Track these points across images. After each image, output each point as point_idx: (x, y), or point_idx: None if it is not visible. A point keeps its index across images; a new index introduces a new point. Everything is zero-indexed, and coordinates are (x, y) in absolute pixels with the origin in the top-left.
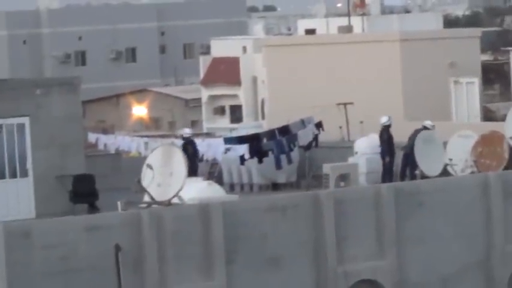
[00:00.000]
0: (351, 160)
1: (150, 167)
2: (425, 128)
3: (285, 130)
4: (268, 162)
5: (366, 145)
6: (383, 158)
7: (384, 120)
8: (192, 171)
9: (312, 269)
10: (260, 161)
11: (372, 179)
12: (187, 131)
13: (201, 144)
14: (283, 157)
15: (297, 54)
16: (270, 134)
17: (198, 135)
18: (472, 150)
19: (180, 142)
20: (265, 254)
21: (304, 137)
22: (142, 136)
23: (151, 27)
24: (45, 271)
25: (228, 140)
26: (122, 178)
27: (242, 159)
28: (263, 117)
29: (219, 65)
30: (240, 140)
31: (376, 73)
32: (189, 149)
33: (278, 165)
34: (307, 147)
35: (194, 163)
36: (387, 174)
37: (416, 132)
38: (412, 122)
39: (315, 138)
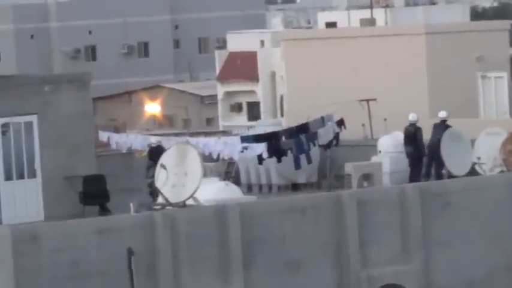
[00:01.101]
0: (374, 159)
1: (164, 166)
2: (443, 121)
3: (304, 128)
4: (287, 161)
5: (390, 143)
6: (421, 158)
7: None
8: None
9: (333, 273)
10: (279, 161)
11: (396, 178)
12: (153, 141)
13: (217, 142)
14: (302, 156)
15: (317, 49)
16: (289, 132)
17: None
18: (500, 148)
19: (193, 140)
20: (284, 257)
21: (324, 135)
22: (155, 135)
23: (165, 21)
24: (54, 276)
25: (246, 139)
26: (135, 178)
27: (260, 159)
28: (282, 115)
29: (236, 60)
30: (258, 138)
31: (400, 68)
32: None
33: (297, 165)
34: (328, 146)
35: None
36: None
37: (436, 127)
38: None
39: (336, 136)
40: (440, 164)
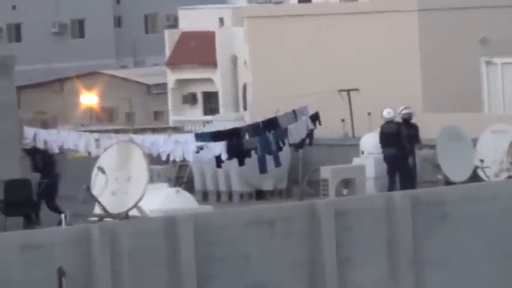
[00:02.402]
0: (355, 161)
1: (102, 170)
2: (406, 120)
3: (272, 124)
4: (251, 164)
5: (375, 143)
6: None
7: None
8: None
9: None
10: (241, 163)
11: (382, 185)
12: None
13: (166, 141)
14: (269, 158)
15: (289, 28)
16: (254, 128)
17: (162, 129)
18: (508, 149)
19: (137, 138)
20: (248, 279)
21: (296, 132)
22: (92, 131)
23: None
24: None
25: (201, 136)
26: (67, 184)
27: (219, 161)
28: (245, 108)
29: (189, 42)
30: (216, 136)
31: (387, 52)
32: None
33: (263, 168)
34: (300, 145)
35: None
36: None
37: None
38: (434, 113)
39: (310, 134)
40: (407, 175)
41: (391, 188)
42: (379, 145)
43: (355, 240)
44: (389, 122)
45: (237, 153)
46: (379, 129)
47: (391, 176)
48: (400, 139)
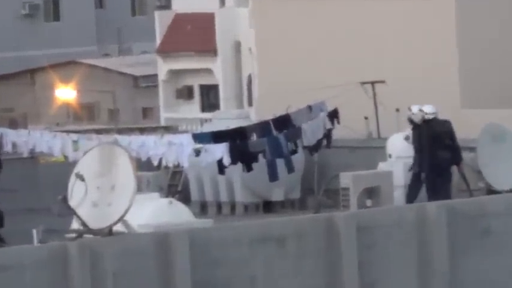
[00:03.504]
0: (381, 167)
1: (81, 177)
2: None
3: (283, 122)
4: (258, 170)
5: (404, 145)
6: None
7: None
8: None
9: None
10: (248, 168)
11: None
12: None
13: (157, 143)
14: (280, 162)
15: (302, 10)
16: (262, 127)
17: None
18: None
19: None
20: None
21: (312, 132)
22: (69, 131)
23: None
24: None
25: (200, 137)
26: (39, 194)
27: (221, 166)
28: (250, 103)
29: (184, 25)
30: (217, 136)
31: (419, 39)
32: None
33: (273, 175)
34: (316, 147)
35: None
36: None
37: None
38: (474, 109)
39: (328, 134)
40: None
41: (435, 197)
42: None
43: (380, 260)
44: (435, 120)
45: (241, 157)
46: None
47: (435, 185)
48: (454, 141)
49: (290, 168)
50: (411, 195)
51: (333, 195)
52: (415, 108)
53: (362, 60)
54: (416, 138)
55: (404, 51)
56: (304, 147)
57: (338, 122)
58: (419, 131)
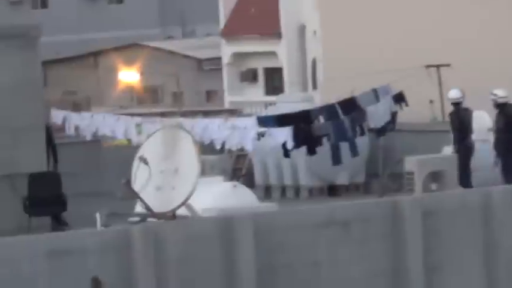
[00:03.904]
0: (446, 151)
1: (144, 161)
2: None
3: (348, 105)
4: (323, 154)
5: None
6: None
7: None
8: None
9: None
10: (311, 152)
11: (479, 179)
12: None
13: (221, 126)
14: (345, 146)
15: None
16: (327, 110)
17: (216, 113)
18: None
19: (187, 123)
20: None
21: (377, 115)
22: (133, 115)
23: None
24: None
25: (264, 121)
26: (102, 178)
27: (286, 150)
28: (314, 87)
29: (248, 8)
30: (282, 120)
31: (484, 20)
32: None
33: (336, 159)
34: (382, 131)
35: None
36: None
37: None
38: None
39: (393, 117)
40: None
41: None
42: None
43: (445, 245)
44: (508, 104)
45: (305, 140)
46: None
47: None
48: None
49: (355, 152)
50: (467, 178)
51: (397, 179)
52: (500, 92)
53: (426, 44)
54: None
55: (469, 33)
56: (370, 130)
57: (406, 105)
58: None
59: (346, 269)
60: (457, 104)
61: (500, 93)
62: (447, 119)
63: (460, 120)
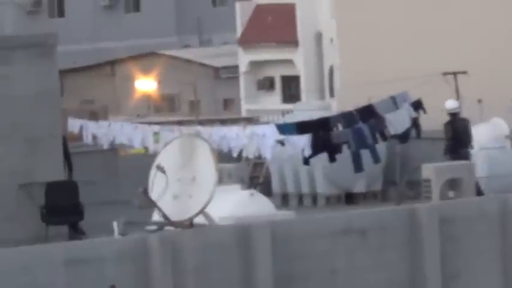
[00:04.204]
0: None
1: (161, 169)
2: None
3: (367, 112)
4: (341, 161)
5: (488, 135)
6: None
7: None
8: None
9: None
10: (331, 159)
11: (496, 185)
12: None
13: (239, 134)
14: (365, 153)
15: (385, 0)
16: (346, 118)
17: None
18: None
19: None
20: None
21: (397, 122)
22: (150, 123)
23: None
24: None
25: (282, 128)
26: (120, 186)
27: (305, 158)
28: (331, 95)
29: (265, 16)
30: (301, 127)
31: (502, 28)
32: None
33: (358, 166)
34: (404, 137)
35: None
36: None
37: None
38: None
39: (416, 123)
40: None
41: None
42: None
43: (463, 253)
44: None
45: (324, 147)
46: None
47: None
48: None
49: (377, 158)
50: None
51: (415, 186)
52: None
53: (443, 51)
54: None
55: (486, 40)
56: (392, 137)
57: (424, 112)
58: None
59: (364, 277)
60: (453, 115)
61: (448, 104)
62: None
63: (454, 130)
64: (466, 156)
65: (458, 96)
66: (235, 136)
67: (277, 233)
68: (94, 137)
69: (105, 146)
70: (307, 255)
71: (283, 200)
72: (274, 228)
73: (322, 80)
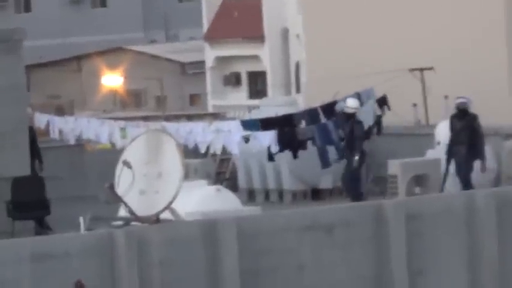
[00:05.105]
0: (430, 154)
1: (128, 165)
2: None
3: (331, 109)
4: (307, 157)
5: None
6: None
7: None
8: None
9: None
10: (295, 156)
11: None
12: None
13: (205, 130)
14: (331, 149)
15: None
16: (310, 114)
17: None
18: None
19: (170, 127)
20: None
21: (361, 119)
22: (116, 119)
23: None
24: None
25: (249, 124)
26: (86, 182)
27: (270, 154)
28: (298, 90)
29: (232, 11)
30: (267, 124)
31: (468, 25)
32: None
33: (325, 162)
34: (367, 134)
35: None
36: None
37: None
38: None
39: (378, 121)
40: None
41: None
42: None
43: (429, 249)
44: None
45: (290, 144)
46: None
47: None
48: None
49: (341, 155)
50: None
51: (381, 183)
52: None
53: (410, 47)
54: None
55: (453, 37)
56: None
57: (389, 109)
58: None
59: (331, 273)
60: (462, 110)
61: (349, 103)
62: (431, 122)
63: (452, 127)
64: (456, 153)
65: (424, 94)
66: (201, 132)
67: (244, 228)
68: (60, 132)
69: (72, 142)
70: (274, 250)
71: (250, 196)
72: (241, 223)
73: (288, 76)
